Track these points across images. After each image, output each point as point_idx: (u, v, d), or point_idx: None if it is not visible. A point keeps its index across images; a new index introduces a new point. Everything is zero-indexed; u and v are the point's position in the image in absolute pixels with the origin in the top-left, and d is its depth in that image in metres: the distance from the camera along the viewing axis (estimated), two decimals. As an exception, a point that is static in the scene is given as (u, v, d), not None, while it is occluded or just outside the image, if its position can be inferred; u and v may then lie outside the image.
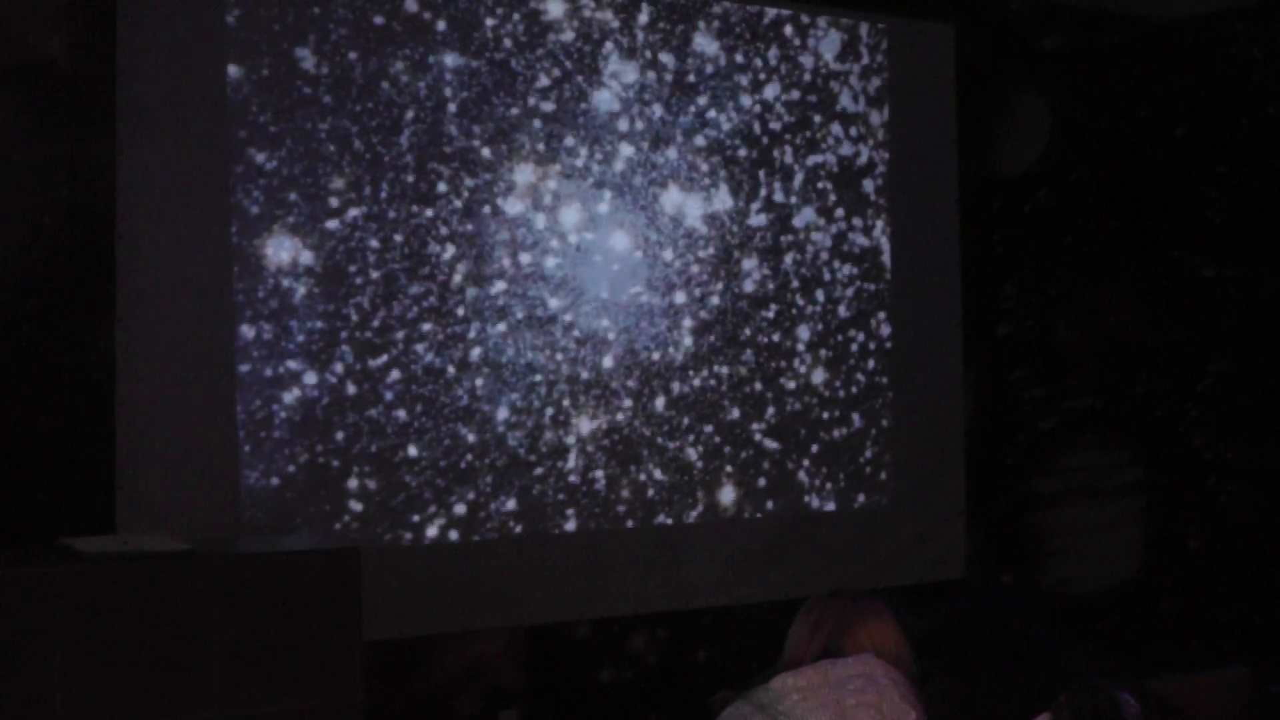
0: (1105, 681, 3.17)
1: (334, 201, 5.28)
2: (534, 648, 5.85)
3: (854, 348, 6.38)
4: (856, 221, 6.48)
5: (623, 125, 5.89)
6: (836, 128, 6.42)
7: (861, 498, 6.50)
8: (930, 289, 6.70)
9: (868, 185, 6.48)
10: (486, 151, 5.58)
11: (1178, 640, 6.33)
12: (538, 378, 5.67)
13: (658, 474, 5.95)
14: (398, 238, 5.40)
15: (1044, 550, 6.81)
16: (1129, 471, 7.02)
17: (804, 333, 6.31)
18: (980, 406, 6.74)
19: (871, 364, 6.49)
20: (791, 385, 6.26)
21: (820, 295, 6.33)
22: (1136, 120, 7.00)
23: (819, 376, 6.33)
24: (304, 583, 4.17)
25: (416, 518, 5.47)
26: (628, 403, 5.87)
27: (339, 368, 5.25)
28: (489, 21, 5.58)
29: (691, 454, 6.02)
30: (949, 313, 6.77)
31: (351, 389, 5.26)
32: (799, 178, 6.31)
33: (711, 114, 6.08)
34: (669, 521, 6.02)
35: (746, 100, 6.16)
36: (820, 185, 6.37)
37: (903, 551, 6.57)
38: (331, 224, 5.27)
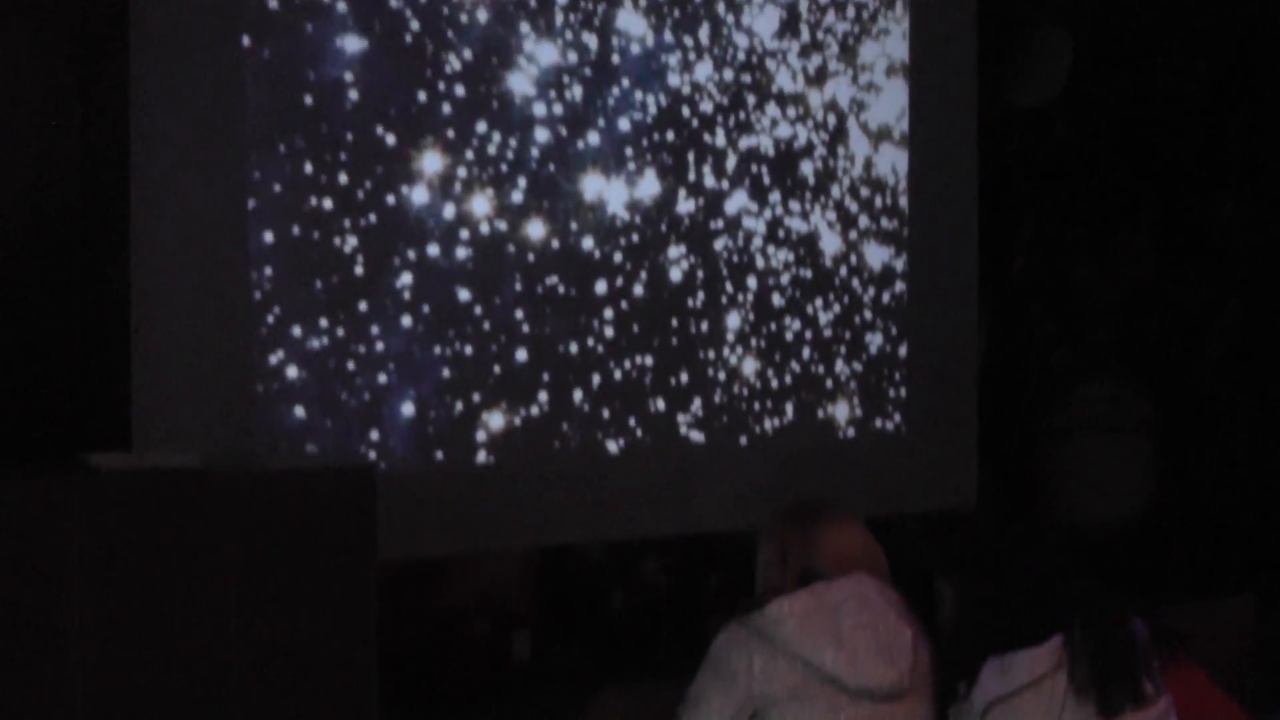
0: (1116, 608, 3.24)
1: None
2: (546, 571, 6.02)
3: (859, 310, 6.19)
4: (794, 206, 6.28)
5: (539, 110, 5.69)
6: (773, 109, 6.22)
7: (875, 427, 6.53)
8: (947, 223, 6.68)
9: (805, 168, 6.29)
10: (391, 139, 5.39)
11: (1187, 572, 6.42)
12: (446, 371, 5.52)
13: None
14: (295, 230, 5.25)
15: (1055, 484, 6.91)
16: (1141, 408, 7.07)
17: (733, 321, 6.13)
18: (994, 341, 6.85)
19: (886, 294, 6.52)
20: (796, 325, 6.31)
21: (753, 282, 6.14)
22: (1157, 53, 7.04)
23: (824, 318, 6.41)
24: (319, 501, 4.22)
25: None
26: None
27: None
28: (393, 3, 5.39)
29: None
30: (965, 247, 6.74)
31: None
32: (731, 161, 6.11)
33: (637, 96, 5.88)
34: (683, 446, 6.07)
35: (675, 81, 5.96)
36: (755, 169, 6.17)
37: (915, 481, 6.56)
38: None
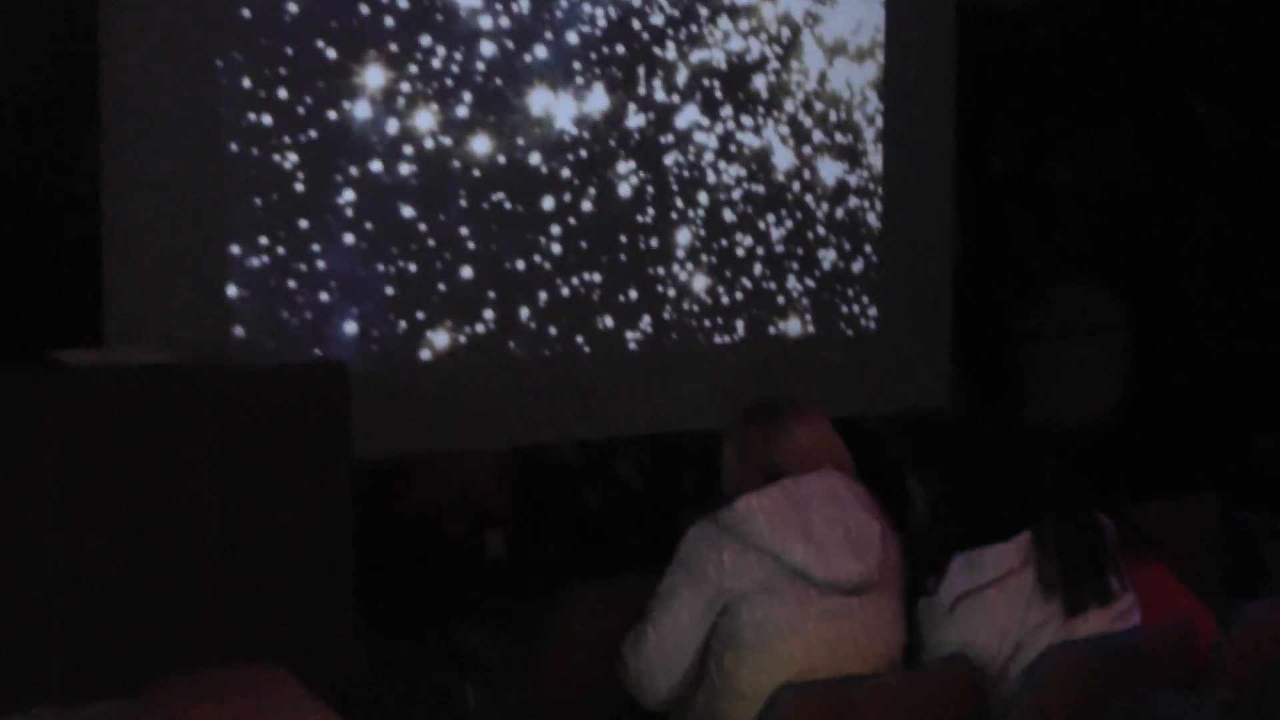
0: (1085, 506, 3.27)
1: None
2: (520, 469, 6.01)
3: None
4: (746, 121, 6.21)
5: (485, 22, 5.60)
6: (725, 22, 6.13)
7: (848, 326, 6.53)
8: (924, 123, 6.62)
9: (758, 82, 6.21)
10: (332, 53, 5.31)
11: (1155, 471, 6.45)
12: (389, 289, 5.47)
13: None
14: (233, 147, 5.17)
15: (1028, 384, 6.92)
16: (1115, 309, 7.09)
17: (684, 237, 6.09)
18: (970, 241, 6.82)
19: (840, 210, 6.47)
20: (748, 241, 6.25)
21: (704, 198, 6.09)
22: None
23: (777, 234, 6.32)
24: (291, 397, 4.22)
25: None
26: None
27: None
28: (331, -87, 5.30)
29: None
30: (942, 147, 6.69)
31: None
32: (682, 75, 6.03)
33: (586, 9, 5.79)
34: (656, 346, 6.07)
35: (627, -9, 5.91)
36: (706, 83, 6.09)
37: (887, 380, 6.55)
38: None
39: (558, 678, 3.42)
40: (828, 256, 6.45)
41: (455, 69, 5.61)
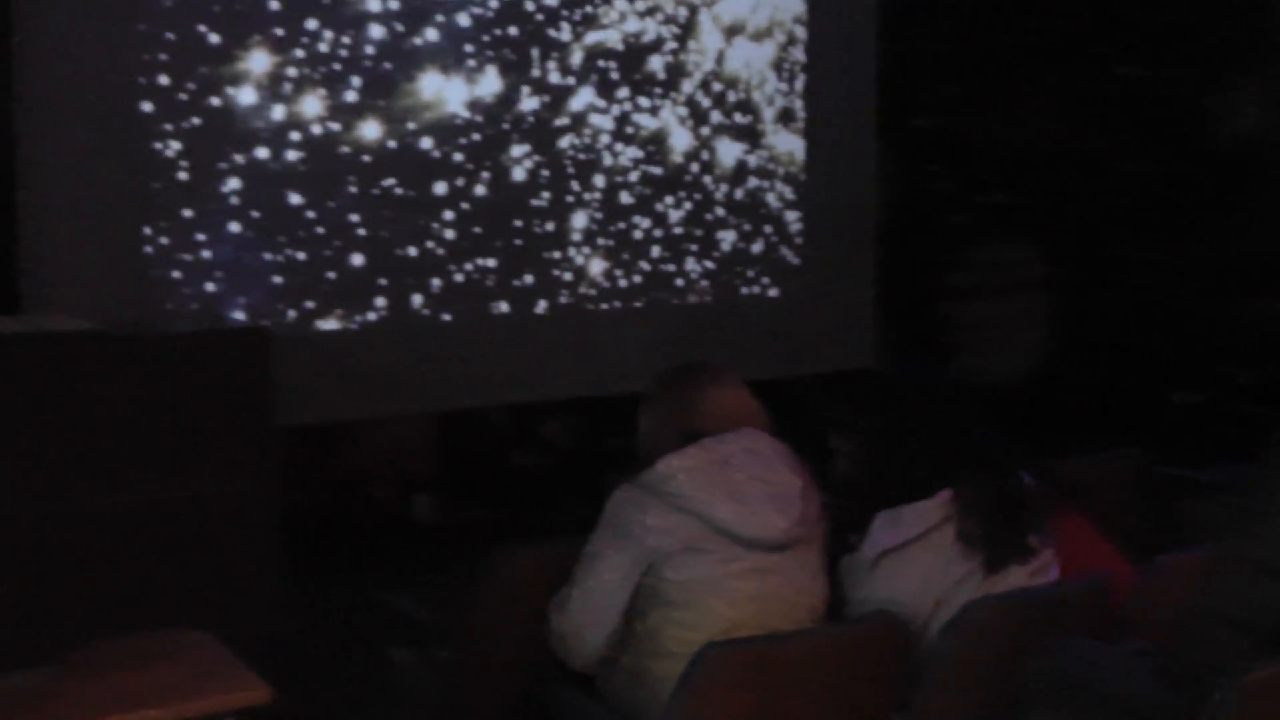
0: (1006, 463, 3.33)
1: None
2: (448, 433, 6.03)
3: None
4: (643, 102, 6.17)
5: (373, 5, 5.54)
6: (621, 3, 6.08)
7: (774, 288, 6.57)
8: (847, 80, 6.68)
9: (655, 63, 6.16)
10: (214, 37, 5.24)
11: (1077, 426, 6.52)
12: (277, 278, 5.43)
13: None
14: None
15: (953, 342, 7.00)
16: (1038, 266, 7.18)
17: (580, 220, 6.09)
18: (893, 199, 6.90)
19: (739, 191, 6.48)
20: (646, 224, 6.27)
21: (600, 181, 6.06)
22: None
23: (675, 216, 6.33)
24: (213, 364, 4.19)
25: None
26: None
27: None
28: (212, -107, 5.24)
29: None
30: (865, 104, 6.76)
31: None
32: (577, 57, 5.98)
33: (478, -11, 5.77)
34: (584, 308, 6.10)
35: (519, -27, 5.87)
36: (602, 64, 6.05)
37: (813, 340, 6.60)
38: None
39: (485, 640, 3.43)
40: (727, 237, 6.43)
41: (343, 53, 5.56)
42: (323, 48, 5.51)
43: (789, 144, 6.62)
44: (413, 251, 5.77)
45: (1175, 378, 6.84)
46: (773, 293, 6.60)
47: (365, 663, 4.02)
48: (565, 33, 6.02)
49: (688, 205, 6.36)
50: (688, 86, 6.34)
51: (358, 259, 5.65)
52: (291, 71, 5.46)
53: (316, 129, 5.53)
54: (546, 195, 6.03)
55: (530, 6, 5.94)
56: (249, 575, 4.10)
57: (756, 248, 6.54)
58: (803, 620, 3.19)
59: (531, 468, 6.23)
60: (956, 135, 7.01)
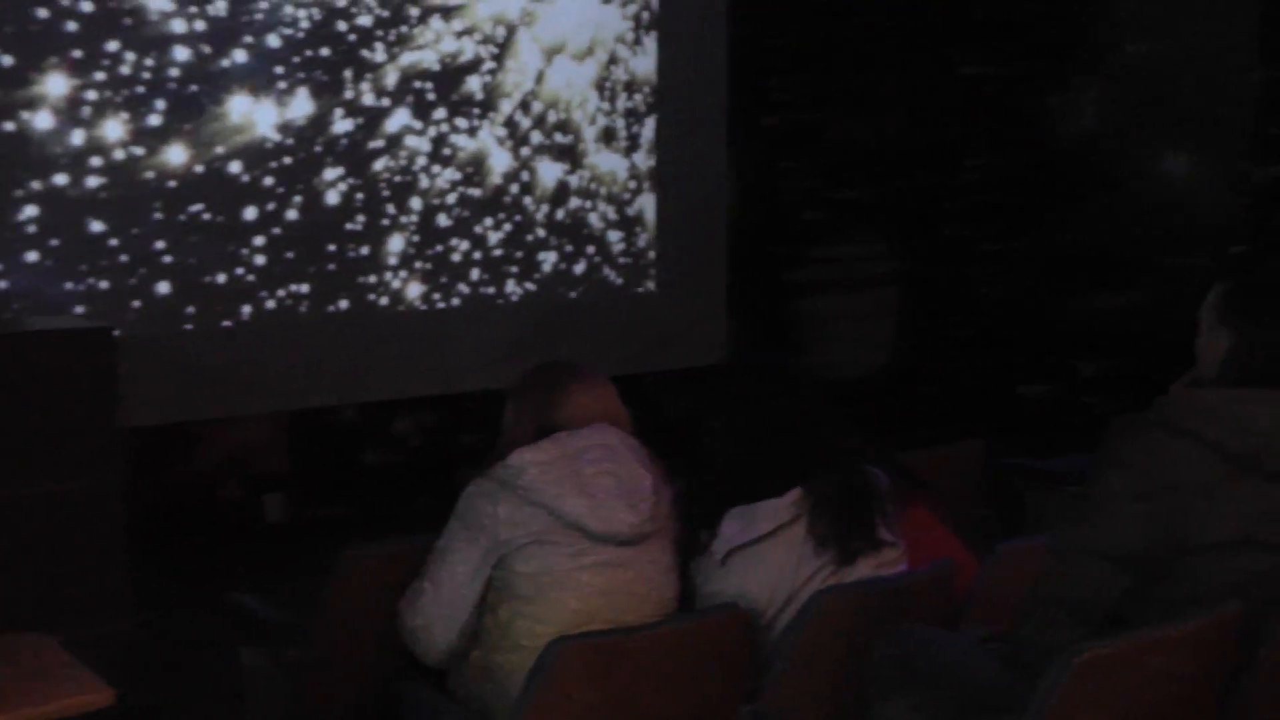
0: (855, 459, 3.41)
1: None
2: (298, 432, 6.06)
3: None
4: (460, 123, 6.06)
5: (178, 26, 5.37)
6: (437, 22, 5.97)
7: (627, 284, 6.65)
8: (698, 79, 6.76)
9: (473, 84, 6.07)
10: (8, 59, 5.07)
11: (927, 419, 6.78)
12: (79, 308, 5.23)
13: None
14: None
15: (805, 337, 7.18)
16: (888, 262, 7.42)
17: (396, 244, 6.06)
18: (746, 196, 7.06)
19: (560, 212, 6.46)
20: (464, 246, 6.22)
21: (417, 204, 5.97)
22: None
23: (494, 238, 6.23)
24: (57, 363, 4.15)
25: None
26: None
27: None
28: (6, -90, 5.12)
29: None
30: (716, 103, 6.85)
31: None
32: (392, 78, 5.87)
33: (288, 10, 5.58)
34: (434, 306, 6.11)
35: (330, -8, 5.88)
36: (417, 85, 5.96)
37: (667, 337, 6.69)
38: None
39: (336, 638, 3.50)
40: (548, 258, 6.35)
41: (146, 75, 5.55)
42: (124, 70, 5.50)
43: (611, 163, 6.57)
44: (221, 278, 5.80)
45: (1021, 370, 7.15)
46: (628, 289, 6.72)
47: (214, 664, 4.02)
48: (379, 53, 5.98)
49: (507, 227, 6.31)
50: (507, 107, 6.34)
51: (164, 287, 5.68)
52: (91, 94, 5.48)
53: (119, 154, 5.55)
54: (361, 219, 6.10)
55: (342, 27, 5.90)
56: (94, 576, 4.10)
57: (579, 268, 6.46)
58: (652, 615, 3.31)
59: (382, 465, 6.29)
60: (808, 132, 7.24)
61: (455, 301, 6.30)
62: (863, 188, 7.37)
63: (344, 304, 5.98)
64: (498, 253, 6.41)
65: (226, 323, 5.68)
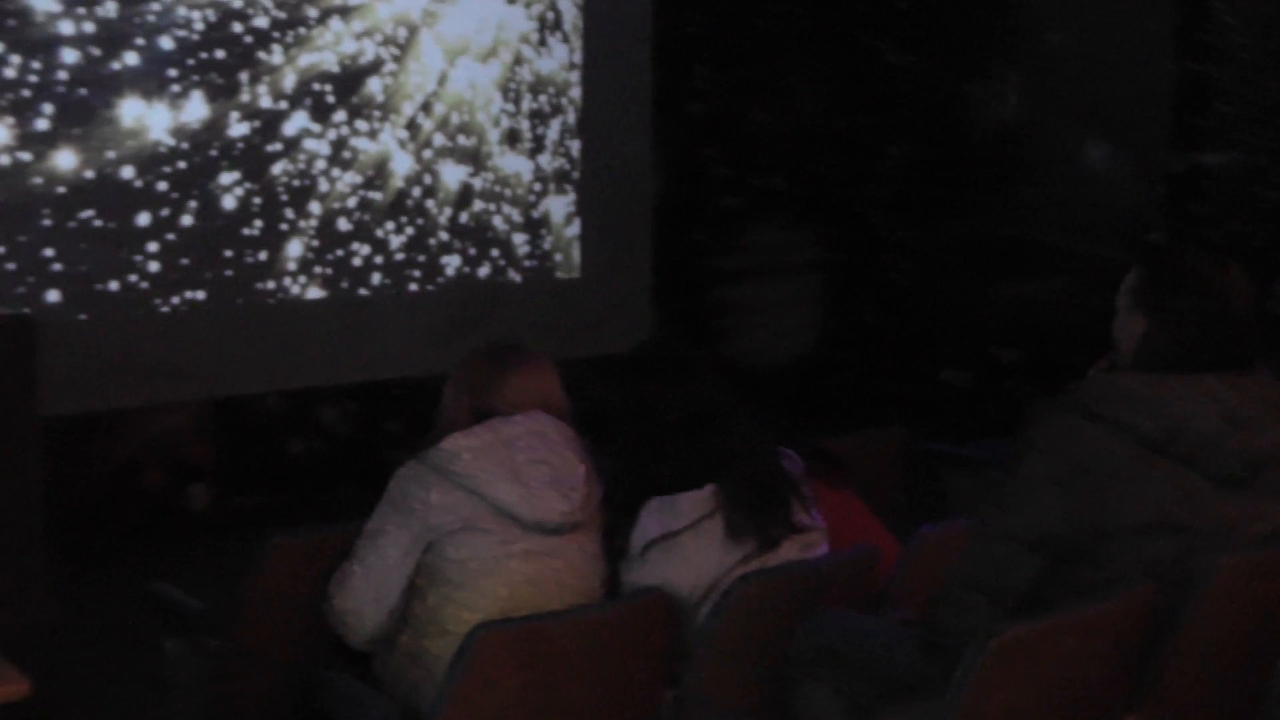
0: (770, 447, 3.52)
1: None
2: (222, 421, 6.12)
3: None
4: (361, 125, 6.13)
5: (65, 28, 5.40)
6: (336, 23, 6.03)
7: (551, 271, 6.79)
8: (621, 66, 6.90)
9: (374, 85, 6.13)
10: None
11: (849, 405, 6.95)
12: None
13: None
14: None
15: (728, 323, 7.31)
16: (810, 249, 7.57)
17: (295, 249, 6.14)
18: (669, 184, 7.20)
19: (464, 215, 6.59)
20: (365, 250, 6.34)
21: (316, 208, 6.01)
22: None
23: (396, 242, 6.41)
24: None
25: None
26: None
27: None
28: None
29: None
30: (640, 90, 6.99)
31: None
32: (290, 80, 5.93)
33: (181, 12, 5.63)
34: (358, 293, 6.24)
35: (224, -7, 5.87)
36: (316, 88, 6.01)
37: (591, 324, 6.80)
38: None
39: (258, 627, 3.54)
40: (451, 262, 6.43)
41: (33, 79, 5.50)
42: (9, 73, 5.50)
43: (516, 165, 6.65)
44: (114, 286, 5.77)
45: (942, 357, 7.32)
46: (573, 260, 6.84)
47: (135, 654, 4.03)
48: (277, 55, 6.02)
49: (410, 230, 6.36)
50: (409, 109, 6.36)
51: (53, 295, 5.64)
52: (-27, 99, 5.35)
53: (4, 159, 5.52)
54: (259, 224, 6.11)
55: (238, 29, 5.92)
56: (11, 566, 4.10)
57: (483, 271, 6.54)
58: (581, 603, 3.36)
59: (307, 454, 6.36)
60: (730, 120, 7.36)
61: (423, 257, 6.39)
62: (785, 175, 7.55)
63: (241, 311, 5.98)
64: (400, 257, 6.45)
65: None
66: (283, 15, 6.05)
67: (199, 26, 5.85)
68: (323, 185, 6.21)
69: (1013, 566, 3.04)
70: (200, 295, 5.90)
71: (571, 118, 6.89)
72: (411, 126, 6.46)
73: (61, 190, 5.55)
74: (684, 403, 3.50)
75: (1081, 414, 3.06)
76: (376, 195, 6.37)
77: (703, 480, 3.44)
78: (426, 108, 6.50)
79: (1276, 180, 6.34)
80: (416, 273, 6.48)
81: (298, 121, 6.12)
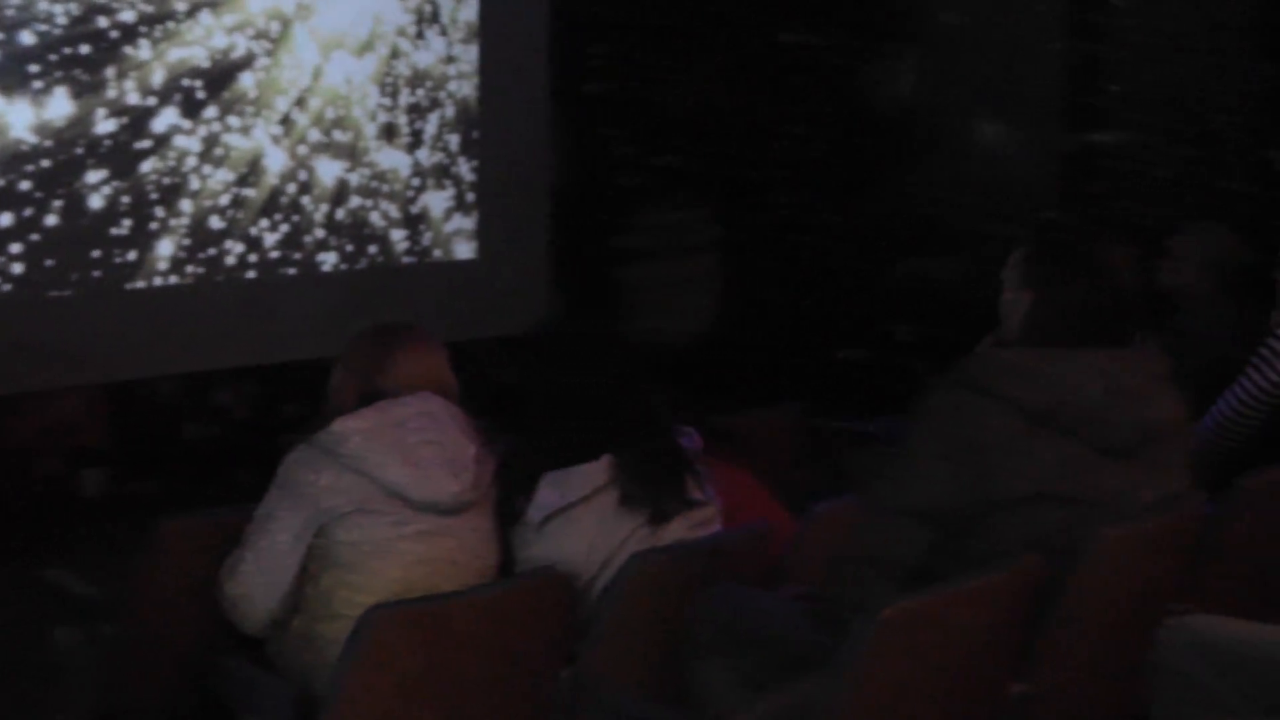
0: (664, 423, 3.66)
1: None
2: (116, 405, 6.19)
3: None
4: (233, 121, 6.22)
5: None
6: (206, 17, 6.11)
7: (450, 252, 6.93)
8: (519, 46, 7.02)
9: (246, 80, 6.22)
10: None
11: (748, 383, 7.02)
12: None
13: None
14: None
15: (627, 303, 7.45)
16: (709, 228, 7.73)
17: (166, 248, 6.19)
18: (568, 164, 7.34)
19: (340, 211, 6.69)
20: (239, 248, 6.41)
21: (188, 206, 6.12)
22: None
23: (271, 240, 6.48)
24: None
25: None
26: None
27: None
28: None
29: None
30: (537, 70, 7.11)
31: None
32: (159, 75, 6.00)
33: (42, 6, 5.70)
34: (251, 275, 6.32)
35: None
36: (186, 83, 6.12)
37: (490, 304, 6.88)
38: None
39: (151, 613, 3.59)
40: (328, 259, 6.53)
41: None
42: None
43: (393, 160, 6.76)
44: None
45: (840, 336, 7.55)
46: (453, 256, 6.97)
47: (26, 642, 4.06)
48: (145, 50, 6.07)
49: (285, 228, 6.45)
50: (282, 104, 6.42)
51: None
52: None
53: None
54: (127, 223, 6.10)
55: (104, 23, 5.96)
56: None
57: (360, 267, 6.65)
58: (473, 584, 3.46)
59: (203, 438, 6.45)
60: (629, 100, 7.52)
61: (279, 271, 6.45)
62: (684, 155, 7.69)
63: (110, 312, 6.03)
64: (275, 254, 6.48)
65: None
66: (150, 9, 6.02)
67: (61, 21, 5.81)
68: (194, 183, 6.20)
69: (902, 540, 3.20)
70: (68, 294, 5.88)
71: (450, 112, 6.94)
72: (285, 122, 6.46)
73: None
74: (582, 377, 3.64)
75: (968, 388, 3.21)
76: (250, 192, 6.38)
77: (600, 453, 3.56)
78: (301, 103, 6.50)
79: (1167, 159, 6.64)
80: (292, 270, 6.50)
81: (167, 118, 6.12)
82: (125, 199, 6.06)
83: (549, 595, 3.38)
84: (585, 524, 3.54)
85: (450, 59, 6.93)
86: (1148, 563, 3.36)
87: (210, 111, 6.27)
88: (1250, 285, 5.09)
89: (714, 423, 4.11)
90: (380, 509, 3.38)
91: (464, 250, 7.06)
